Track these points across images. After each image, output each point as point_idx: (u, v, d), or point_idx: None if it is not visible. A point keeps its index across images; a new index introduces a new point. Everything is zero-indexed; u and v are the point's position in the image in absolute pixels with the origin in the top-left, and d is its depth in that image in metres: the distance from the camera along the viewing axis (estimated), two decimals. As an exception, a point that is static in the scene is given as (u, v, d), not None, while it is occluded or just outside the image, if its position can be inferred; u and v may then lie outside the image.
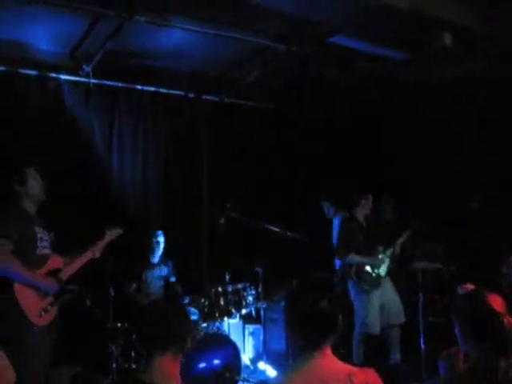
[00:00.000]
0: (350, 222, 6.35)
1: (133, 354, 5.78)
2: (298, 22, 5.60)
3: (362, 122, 7.38)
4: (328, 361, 2.45)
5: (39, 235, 4.38)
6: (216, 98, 7.68)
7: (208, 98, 7.65)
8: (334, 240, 6.85)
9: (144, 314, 2.90)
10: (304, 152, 7.73)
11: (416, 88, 6.81)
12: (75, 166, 6.41)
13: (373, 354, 6.10)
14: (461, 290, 3.35)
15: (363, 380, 2.35)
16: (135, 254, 6.51)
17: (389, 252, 6.22)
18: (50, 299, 4.33)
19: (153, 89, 7.15)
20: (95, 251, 4.84)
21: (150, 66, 6.62)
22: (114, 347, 5.72)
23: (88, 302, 5.89)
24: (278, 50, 6.17)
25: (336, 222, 7.11)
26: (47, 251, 4.46)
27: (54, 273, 4.43)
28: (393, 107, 7.09)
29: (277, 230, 6.38)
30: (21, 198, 4.41)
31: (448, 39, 5.61)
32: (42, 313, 4.24)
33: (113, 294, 5.84)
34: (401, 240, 6.28)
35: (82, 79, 6.55)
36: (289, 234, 6.38)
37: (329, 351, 2.46)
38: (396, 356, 6.11)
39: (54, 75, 6.47)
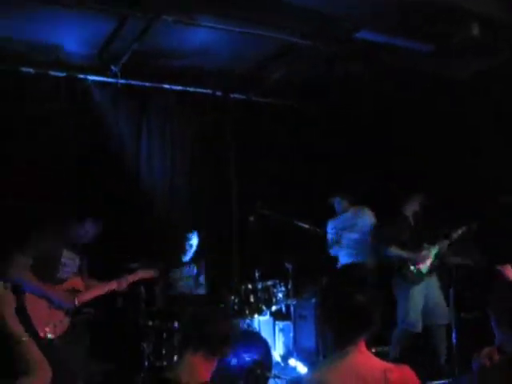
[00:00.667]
0: (397, 218, 6.30)
1: (164, 351, 5.82)
2: (324, 18, 5.57)
3: (386, 118, 7.32)
4: (363, 357, 2.44)
5: (64, 261, 4.53)
6: (243, 96, 7.69)
7: (235, 96, 7.66)
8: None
9: (176, 310, 2.94)
10: (328, 149, 7.69)
11: (442, 82, 6.74)
12: (104, 165, 6.49)
13: (413, 352, 6.04)
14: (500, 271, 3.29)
15: (399, 376, 2.33)
16: (166, 253, 6.54)
17: (434, 249, 6.11)
18: (61, 315, 4.43)
19: (180, 88, 7.18)
20: (122, 283, 4.99)
21: (176, 65, 6.64)
22: (145, 345, 5.76)
23: (120, 301, 5.96)
24: (304, 46, 6.16)
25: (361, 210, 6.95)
26: (69, 275, 4.60)
27: (72, 292, 4.56)
28: (417, 101, 7.01)
29: (306, 226, 6.38)
30: None
31: (475, 30, 5.54)
32: (51, 325, 4.32)
33: (143, 292, 5.89)
34: (454, 236, 6.12)
35: (110, 80, 6.61)
36: (318, 230, 6.37)
37: (363, 347, 2.45)
38: (441, 357, 6.03)
39: (82, 76, 6.55)
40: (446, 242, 6.12)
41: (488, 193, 6.22)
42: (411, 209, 6.28)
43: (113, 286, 4.90)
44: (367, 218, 6.79)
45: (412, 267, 6.04)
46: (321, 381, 2.43)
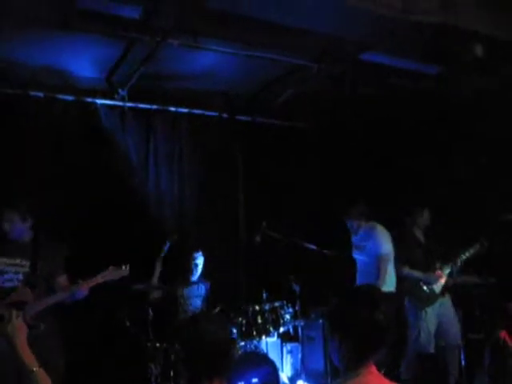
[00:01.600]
0: (406, 236, 6.28)
1: (172, 373, 5.81)
2: (330, 40, 5.63)
3: (391, 137, 7.33)
4: (374, 378, 2.42)
5: (1, 267, 4.36)
6: (249, 118, 7.74)
7: (241, 118, 7.71)
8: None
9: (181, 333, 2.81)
10: (336, 170, 7.71)
11: (450, 101, 6.76)
12: (113, 188, 6.53)
13: (423, 373, 5.98)
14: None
15: None
16: (173, 273, 6.55)
17: (447, 268, 6.06)
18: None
19: (186, 110, 7.24)
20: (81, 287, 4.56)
21: (183, 88, 6.71)
22: (153, 367, 5.76)
23: (127, 323, 5.96)
24: (310, 68, 6.21)
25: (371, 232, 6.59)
26: (13, 284, 4.39)
27: (17, 306, 4.19)
28: (428, 121, 7.04)
29: (313, 247, 6.37)
30: None
31: (479, 51, 5.57)
32: None
33: (151, 313, 5.90)
34: (467, 255, 6.07)
35: (118, 103, 6.68)
36: (325, 251, 6.35)
37: (374, 369, 2.43)
38: (450, 378, 5.92)
39: (90, 100, 6.61)
40: (458, 261, 6.06)
41: (493, 211, 6.22)
42: (419, 226, 6.26)
43: (62, 295, 4.49)
44: (377, 238, 6.43)
45: (425, 287, 5.99)
46: None
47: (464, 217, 6.37)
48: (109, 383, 6.07)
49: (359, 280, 6.41)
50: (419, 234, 6.28)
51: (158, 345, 5.88)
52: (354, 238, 6.46)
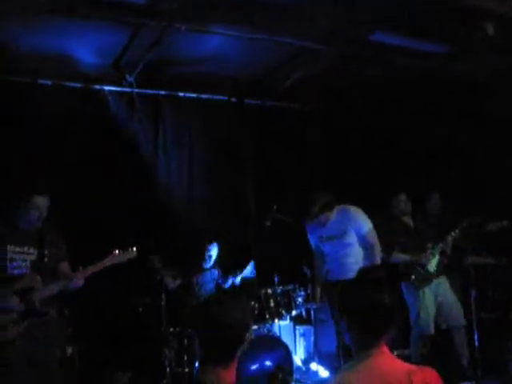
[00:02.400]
0: (392, 222, 6.23)
1: (185, 357, 5.86)
2: (338, 21, 5.57)
3: (399, 120, 7.28)
4: (386, 359, 2.44)
5: (10, 255, 4.33)
6: (258, 102, 7.71)
7: (250, 101, 7.68)
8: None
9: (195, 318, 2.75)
10: (344, 152, 7.67)
11: (460, 82, 6.69)
12: (122, 175, 6.54)
13: (435, 354, 5.99)
14: None
15: (422, 378, 2.32)
16: (187, 261, 6.58)
17: (438, 248, 6.04)
18: (12, 317, 4.21)
19: (195, 95, 7.22)
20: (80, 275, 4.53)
21: (191, 72, 6.68)
22: (167, 351, 5.80)
23: (140, 309, 6.00)
24: (318, 50, 6.16)
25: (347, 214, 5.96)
26: (22, 271, 4.37)
27: (24, 292, 4.30)
28: (436, 103, 6.98)
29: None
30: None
31: (490, 29, 5.50)
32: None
33: (164, 298, 5.93)
34: (452, 235, 6.03)
35: (126, 89, 6.68)
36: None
37: (386, 349, 2.44)
38: (463, 359, 5.91)
39: (97, 87, 6.61)
40: (449, 240, 6.02)
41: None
42: (400, 211, 6.23)
43: (65, 283, 4.45)
44: (355, 217, 5.94)
45: (419, 269, 6.00)
46: (345, 383, 2.43)
47: (473, 200, 6.36)
48: (123, 368, 6.12)
49: (341, 267, 5.75)
50: (405, 219, 6.23)
51: (171, 329, 5.93)
52: (322, 232, 5.91)
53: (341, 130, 7.75)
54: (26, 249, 4.41)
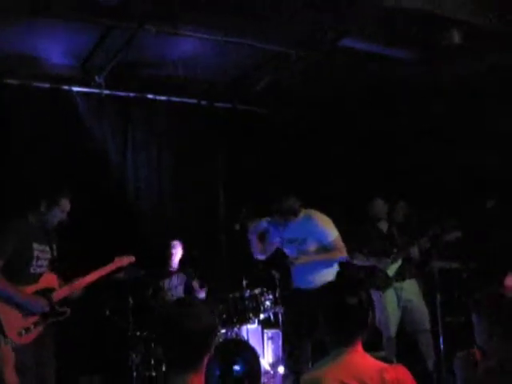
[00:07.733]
0: (365, 226, 6.29)
1: (152, 361, 5.82)
2: (308, 26, 5.61)
3: (371, 125, 7.35)
4: (360, 356, 2.47)
5: (36, 254, 4.32)
6: (229, 105, 7.70)
7: (220, 105, 7.68)
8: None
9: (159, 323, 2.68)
10: (314, 157, 7.70)
11: (427, 88, 6.79)
12: (90, 177, 6.46)
13: (406, 357, 6.04)
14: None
15: (394, 376, 2.36)
16: (153, 263, 6.53)
17: (400, 255, 6.08)
18: (34, 318, 4.21)
19: (165, 98, 7.19)
20: (98, 274, 4.72)
21: (161, 75, 6.66)
22: (134, 355, 5.76)
23: (107, 312, 5.94)
24: (289, 55, 6.19)
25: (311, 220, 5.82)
26: (42, 270, 4.39)
27: (45, 292, 4.32)
28: (403, 108, 7.06)
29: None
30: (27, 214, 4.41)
31: (457, 37, 5.58)
32: (23, 332, 4.11)
33: (131, 302, 5.88)
34: (417, 244, 6.08)
35: (95, 90, 6.59)
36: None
37: (360, 347, 2.48)
38: (429, 362, 5.96)
39: (66, 87, 6.53)
40: (412, 248, 6.07)
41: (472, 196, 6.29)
42: (376, 216, 6.29)
43: (91, 278, 4.62)
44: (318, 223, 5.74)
45: (379, 273, 6.08)
46: (317, 380, 2.44)
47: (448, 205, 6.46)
48: (90, 372, 6.06)
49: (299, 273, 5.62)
50: (382, 224, 6.30)
51: (138, 333, 5.88)
52: (283, 234, 5.75)
53: (313, 135, 7.78)
54: (43, 247, 4.44)
